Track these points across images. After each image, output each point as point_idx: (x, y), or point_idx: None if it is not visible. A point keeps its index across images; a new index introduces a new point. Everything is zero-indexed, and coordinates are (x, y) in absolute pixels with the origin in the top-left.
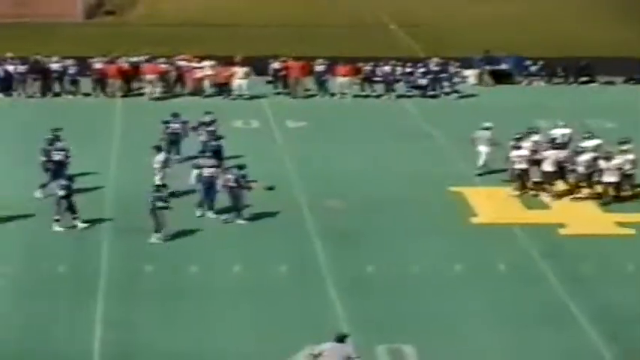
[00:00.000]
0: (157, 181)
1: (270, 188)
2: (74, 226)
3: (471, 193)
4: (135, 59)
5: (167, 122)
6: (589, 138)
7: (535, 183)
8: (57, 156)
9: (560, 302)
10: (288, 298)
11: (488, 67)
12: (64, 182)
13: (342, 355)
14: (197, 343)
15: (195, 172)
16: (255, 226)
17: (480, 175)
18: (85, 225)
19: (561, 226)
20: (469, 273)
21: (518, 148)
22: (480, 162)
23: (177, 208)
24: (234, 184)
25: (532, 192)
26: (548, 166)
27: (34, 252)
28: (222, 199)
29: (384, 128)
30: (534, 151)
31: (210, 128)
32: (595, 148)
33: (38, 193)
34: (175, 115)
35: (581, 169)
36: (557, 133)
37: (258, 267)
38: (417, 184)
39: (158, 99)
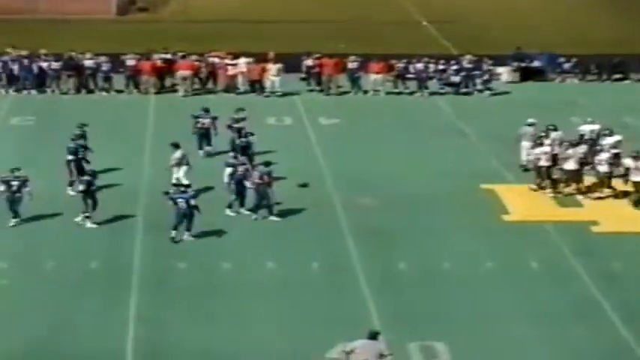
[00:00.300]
0: (174, 179)
1: (304, 185)
2: (84, 221)
3: (503, 190)
4: (168, 56)
5: (197, 117)
6: (609, 134)
7: (552, 181)
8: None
9: (593, 300)
10: (321, 295)
11: (516, 64)
12: (85, 178)
13: (374, 352)
14: (229, 340)
15: (228, 170)
16: (287, 223)
17: (526, 170)
18: (94, 225)
19: (594, 223)
20: (501, 270)
21: (541, 144)
22: (524, 157)
23: (207, 205)
24: (259, 181)
25: (549, 190)
26: (570, 165)
27: (67, 249)
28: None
29: (417, 125)
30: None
31: (240, 125)
32: (615, 145)
33: (70, 191)
34: (206, 110)
35: (602, 167)
36: (586, 129)
37: (290, 264)
38: (450, 182)
39: (192, 95)
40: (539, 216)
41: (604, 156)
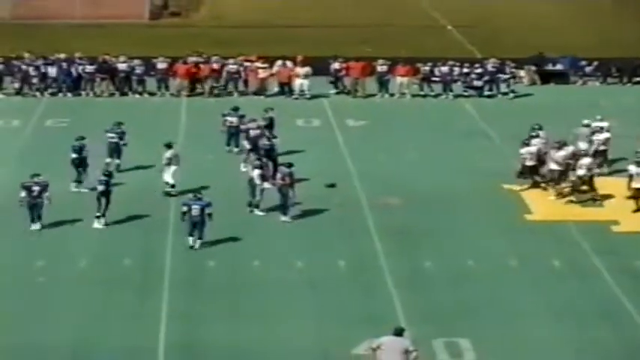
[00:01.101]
0: (165, 178)
1: (331, 185)
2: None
3: (525, 190)
4: (200, 60)
5: (225, 115)
6: (599, 131)
7: (535, 181)
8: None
9: (616, 299)
10: (348, 293)
11: (534, 68)
12: (103, 178)
13: (400, 348)
14: (259, 337)
15: (257, 172)
16: (315, 223)
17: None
18: (102, 227)
19: (615, 223)
20: (524, 269)
21: (527, 145)
22: None
23: (235, 205)
24: (281, 182)
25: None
26: (552, 165)
27: (100, 248)
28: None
29: (442, 127)
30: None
31: (262, 123)
32: (604, 142)
33: (73, 188)
34: (235, 109)
35: (580, 171)
36: (596, 126)
37: (318, 262)
38: (473, 182)
39: (218, 96)
40: (561, 215)
41: (586, 161)
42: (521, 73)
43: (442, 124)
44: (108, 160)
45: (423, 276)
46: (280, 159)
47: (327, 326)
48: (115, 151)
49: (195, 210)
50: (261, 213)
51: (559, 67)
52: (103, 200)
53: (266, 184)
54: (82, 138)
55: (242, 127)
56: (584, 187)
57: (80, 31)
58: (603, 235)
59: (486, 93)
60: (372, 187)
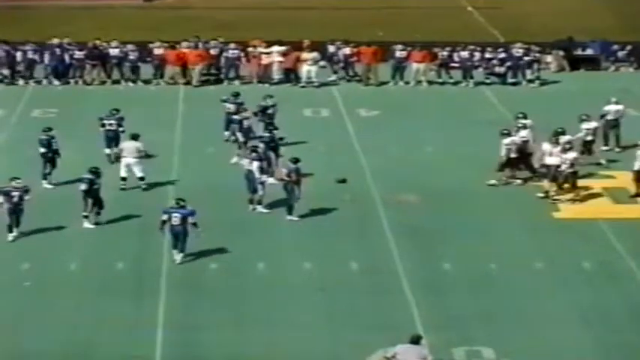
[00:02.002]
0: (139, 173)
1: (342, 181)
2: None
3: (553, 185)
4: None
5: (224, 101)
6: (586, 120)
7: (513, 175)
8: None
9: None
10: (360, 297)
11: (562, 53)
12: (87, 176)
13: (417, 357)
14: (263, 345)
15: (257, 164)
16: (325, 221)
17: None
18: (91, 226)
19: None
20: (552, 271)
21: (509, 135)
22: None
23: (237, 201)
24: (287, 179)
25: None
26: (548, 159)
27: (91, 249)
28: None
29: (462, 117)
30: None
31: (270, 112)
32: (593, 131)
33: (45, 184)
34: (235, 95)
35: (565, 166)
36: (611, 109)
37: (328, 264)
38: (497, 177)
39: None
40: (592, 213)
41: (570, 155)
42: (549, 58)
43: (462, 113)
44: (107, 150)
45: (442, 279)
46: (286, 152)
47: (338, 333)
48: (114, 139)
49: (176, 219)
50: (264, 210)
51: (589, 51)
52: (89, 200)
53: (271, 180)
54: (50, 129)
55: (235, 117)
56: (566, 185)
57: (68, 13)
58: (637, 235)
59: (510, 80)
60: (386, 182)
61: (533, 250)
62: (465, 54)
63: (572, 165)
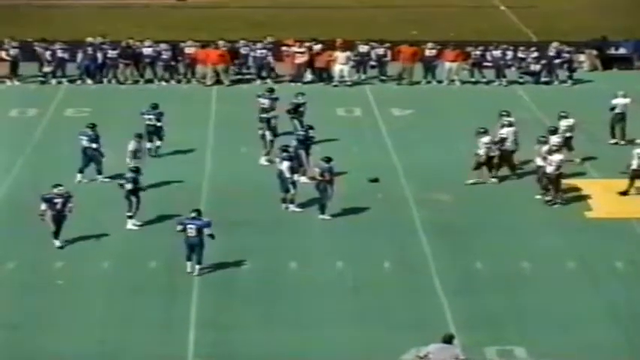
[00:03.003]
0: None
1: (375, 180)
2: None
3: (585, 185)
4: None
5: (259, 97)
6: (565, 117)
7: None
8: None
9: None
10: (393, 296)
11: (595, 52)
12: (130, 175)
13: (449, 356)
14: (296, 344)
15: (286, 164)
16: (357, 220)
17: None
18: (135, 227)
19: None
20: (584, 271)
21: (486, 133)
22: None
23: (270, 201)
24: (320, 178)
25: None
26: (539, 161)
27: (124, 248)
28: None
29: (494, 116)
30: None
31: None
32: (570, 129)
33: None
34: (270, 91)
35: (550, 168)
36: (619, 102)
37: (361, 263)
38: (529, 176)
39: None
40: (625, 212)
41: (556, 157)
42: (582, 57)
43: (495, 113)
44: (148, 145)
45: (474, 278)
46: (318, 151)
47: (371, 333)
48: (154, 133)
49: (191, 230)
50: (297, 209)
51: (622, 51)
52: (133, 199)
53: (303, 179)
54: (94, 125)
55: (263, 115)
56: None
57: (101, 12)
58: None
59: (543, 79)
60: (419, 181)
61: (566, 250)
62: (497, 53)
63: (557, 167)
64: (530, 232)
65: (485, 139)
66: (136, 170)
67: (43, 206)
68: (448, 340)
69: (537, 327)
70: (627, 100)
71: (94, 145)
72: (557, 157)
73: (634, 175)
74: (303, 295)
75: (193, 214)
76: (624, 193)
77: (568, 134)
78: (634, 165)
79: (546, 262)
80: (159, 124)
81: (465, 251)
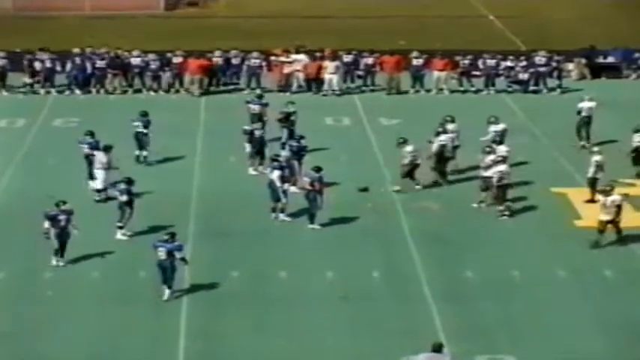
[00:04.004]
0: (99, 184)
1: (364, 190)
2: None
3: (574, 194)
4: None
5: (248, 102)
6: (494, 122)
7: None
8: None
9: None
10: (382, 305)
11: (584, 61)
12: (124, 186)
13: None
14: (285, 354)
15: (277, 173)
16: (347, 230)
17: None
18: (125, 238)
19: None
20: (574, 279)
21: (405, 143)
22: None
23: (259, 210)
24: (309, 188)
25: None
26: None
27: (113, 257)
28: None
29: (483, 125)
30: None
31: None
32: (501, 134)
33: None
34: (259, 97)
35: (486, 172)
36: (585, 106)
37: (350, 273)
38: (518, 185)
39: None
40: None
41: (500, 167)
42: (570, 66)
43: (483, 121)
44: (137, 152)
45: (464, 287)
46: (308, 161)
47: (361, 342)
48: (141, 140)
49: (161, 253)
50: (287, 218)
51: (610, 59)
52: (127, 210)
53: (293, 188)
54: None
55: (246, 127)
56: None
57: (89, 23)
58: None
59: (532, 88)
60: (408, 190)
61: (555, 258)
62: (487, 62)
63: (500, 178)
64: (520, 241)
65: (409, 148)
66: (129, 182)
67: (47, 224)
68: (437, 349)
69: (527, 336)
70: (593, 104)
71: (95, 152)
72: (500, 168)
73: (592, 182)
74: (293, 305)
75: (166, 237)
76: (591, 201)
77: (498, 139)
78: (590, 173)
79: (536, 271)
80: (145, 130)
81: (455, 260)
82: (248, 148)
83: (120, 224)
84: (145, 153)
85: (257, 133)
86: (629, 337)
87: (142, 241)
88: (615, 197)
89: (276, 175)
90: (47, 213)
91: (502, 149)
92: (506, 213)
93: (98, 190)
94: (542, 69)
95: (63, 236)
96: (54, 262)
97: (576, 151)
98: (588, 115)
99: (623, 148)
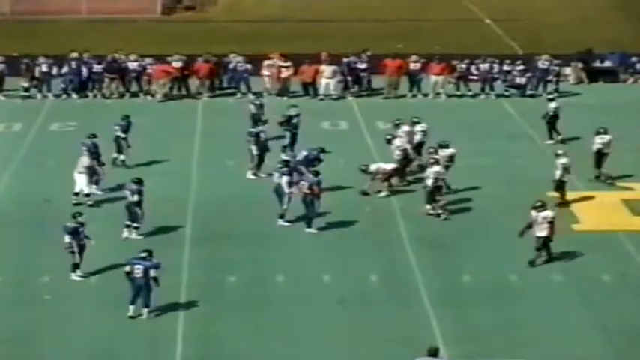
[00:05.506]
0: (85, 188)
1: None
2: (131, 233)
3: (572, 197)
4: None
5: (250, 102)
6: (418, 122)
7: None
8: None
9: None
10: (380, 309)
11: (581, 65)
12: (135, 187)
13: None
14: (285, 357)
15: (285, 179)
16: (344, 234)
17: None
18: (140, 237)
19: None
20: (571, 283)
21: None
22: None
23: (257, 214)
24: (307, 192)
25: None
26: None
27: (110, 261)
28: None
29: (480, 130)
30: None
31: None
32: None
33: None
34: (257, 97)
35: (429, 181)
36: (552, 106)
37: (347, 277)
38: (515, 189)
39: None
40: (612, 225)
41: (435, 169)
42: (567, 70)
43: (480, 126)
44: (114, 155)
45: (461, 291)
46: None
47: (358, 346)
48: (119, 143)
49: (138, 271)
50: (285, 223)
51: (607, 63)
52: (138, 210)
53: (291, 189)
54: (94, 136)
55: (252, 130)
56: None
57: (87, 27)
58: None
59: (529, 92)
60: (406, 194)
61: (553, 263)
62: (484, 66)
63: (435, 180)
64: (518, 245)
65: (398, 142)
66: (139, 182)
67: (67, 238)
68: (434, 353)
69: (525, 340)
70: (556, 104)
71: (94, 156)
72: (434, 170)
73: (559, 185)
74: (290, 309)
75: (143, 254)
76: (564, 204)
77: (424, 139)
78: (556, 176)
79: (533, 276)
80: (123, 135)
81: (452, 264)
82: (255, 150)
83: (136, 225)
84: (122, 157)
85: (262, 135)
86: (627, 341)
87: (138, 245)
88: (547, 213)
89: (284, 180)
90: (67, 227)
91: (446, 152)
92: (441, 213)
93: (87, 195)
94: (545, 73)
95: (81, 249)
96: (74, 277)
97: (574, 154)
98: (554, 113)
99: (623, 148)
